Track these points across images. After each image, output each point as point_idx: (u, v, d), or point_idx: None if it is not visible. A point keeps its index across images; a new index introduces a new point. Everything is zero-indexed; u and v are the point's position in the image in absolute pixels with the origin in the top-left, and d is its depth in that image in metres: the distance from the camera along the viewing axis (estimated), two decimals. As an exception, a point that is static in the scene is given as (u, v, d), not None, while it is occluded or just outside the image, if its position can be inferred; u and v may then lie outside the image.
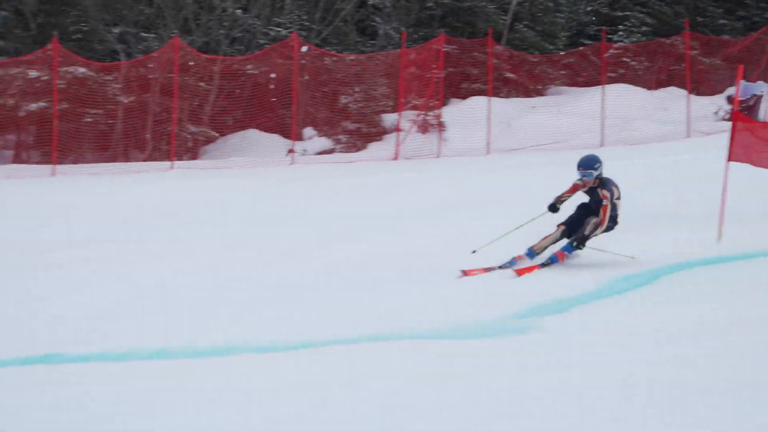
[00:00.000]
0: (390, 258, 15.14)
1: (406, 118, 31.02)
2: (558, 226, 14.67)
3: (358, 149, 30.85)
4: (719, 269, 13.78)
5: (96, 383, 9.32)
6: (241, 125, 30.56)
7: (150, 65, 29.39)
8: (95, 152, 28.98)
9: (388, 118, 31.47)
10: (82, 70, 28.34)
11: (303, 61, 30.30)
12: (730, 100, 32.94)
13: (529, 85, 36.20)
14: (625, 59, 36.17)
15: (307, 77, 30.62)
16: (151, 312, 12.53)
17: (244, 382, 9.19)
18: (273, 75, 30.43)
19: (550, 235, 14.61)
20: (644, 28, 40.29)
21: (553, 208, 14.71)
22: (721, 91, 35.36)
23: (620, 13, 41.26)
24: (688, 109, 32.76)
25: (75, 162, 27.89)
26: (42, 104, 27.72)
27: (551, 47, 38.62)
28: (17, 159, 28.13)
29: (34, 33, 31.30)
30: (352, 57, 32.27)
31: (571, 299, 12.47)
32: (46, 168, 26.77)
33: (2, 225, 18.66)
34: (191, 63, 29.49)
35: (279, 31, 33.39)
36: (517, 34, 38.55)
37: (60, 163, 27.22)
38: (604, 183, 14.48)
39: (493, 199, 20.08)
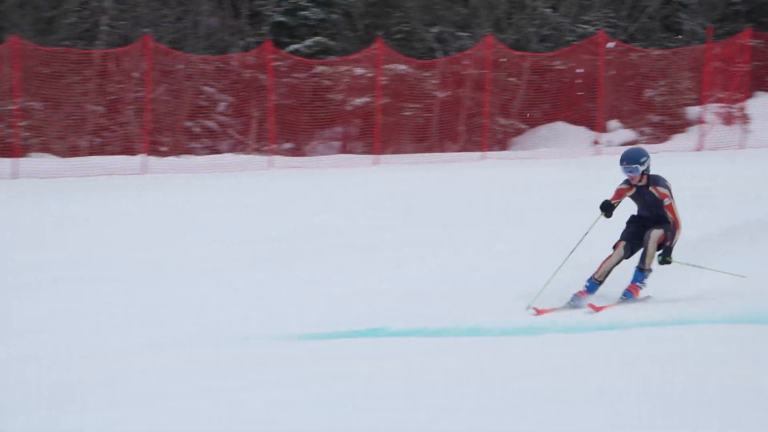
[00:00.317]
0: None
1: (710, 111, 30.79)
2: (615, 246, 12.09)
3: (662, 141, 30.85)
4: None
5: (417, 355, 9.62)
6: (549, 118, 31.16)
7: (464, 62, 30.45)
8: (413, 143, 30.30)
9: (692, 111, 31.31)
10: (402, 67, 29.73)
11: (609, 57, 30.60)
12: None
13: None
14: None
15: (613, 72, 30.89)
16: (462, 290, 12.99)
17: (558, 359, 9.23)
18: (580, 70, 30.89)
19: (609, 257, 12.06)
20: None
21: (608, 206, 12.05)
22: None
23: None
24: None
25: (395, 152, 29.25)
26: (366, 99, 29.28)
27: None
28: (344, 149, 29.74)
29: (361, 34, 32.92)
30: (658, 52, 32.28)
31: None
32: (369, 158, 28.30)
33: (332, 210, 19.83)
34: (503, 60, 30.35)
35: (586, 28, 33.79)
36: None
37: (381, 153, 28.66)
38: (656, 180, 12.01)
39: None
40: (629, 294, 11.90)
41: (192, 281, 14.01)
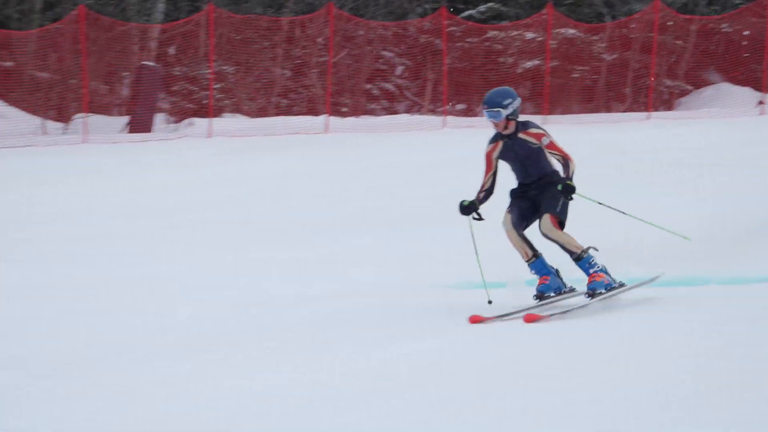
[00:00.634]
0: None
1: None
2: (503, 222, 9.34)
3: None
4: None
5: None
6: (714, 79, 30.97)
7: (632, 26, 30.48)
8: (580, 104, 30.56)
9: None
10: (571, 31, 30.00)
11: (775, 19, 30.21)
12: None
13: None
14: None
15: (779, 33, 30.50)
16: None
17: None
18: (746, 32, 30.56)
19: (510, 237, 9.32)
20: None
21: (467, 209, 9.36)
22: None
23: None
24: None
25: (563, 113, 29.57)
26: (536, 62, 29.65)
27: None
28: (516, 111, 30.09)
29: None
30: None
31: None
32: (537, 118, 28.68)
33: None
34: (670, 23, 30.27)
35: (754, -10, 33.33)
36: None
37: (550, 113, 29.02)
38: (525, 124, 9.30)
39: None
40: (597, 285, 9.15)
41: (393, 230, 14.54)
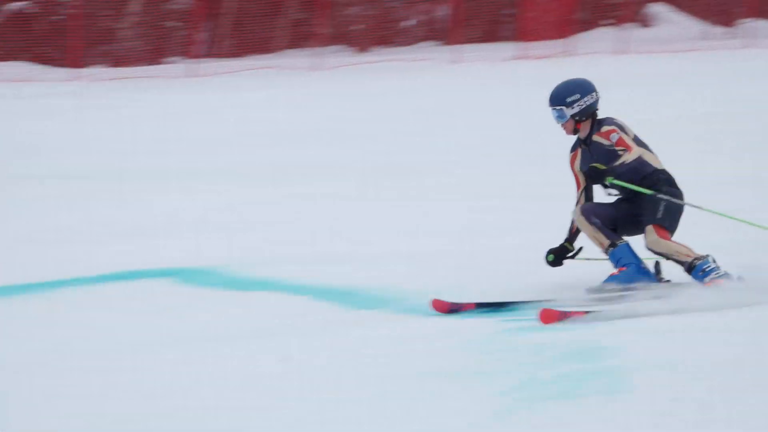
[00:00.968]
0: None
1: None
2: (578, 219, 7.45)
3: None
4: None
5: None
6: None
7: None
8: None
9: None
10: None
11: None
12: None
13: None
14: None
15: None
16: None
17: None
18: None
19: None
20: None
21: (557, 257, 7.52)
22: None
23: None
24: None
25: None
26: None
27: None
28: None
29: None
30: None
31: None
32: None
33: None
34: None
35: None
36: None
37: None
38: (600, 123, 7.44)
39: None
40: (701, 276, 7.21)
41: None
